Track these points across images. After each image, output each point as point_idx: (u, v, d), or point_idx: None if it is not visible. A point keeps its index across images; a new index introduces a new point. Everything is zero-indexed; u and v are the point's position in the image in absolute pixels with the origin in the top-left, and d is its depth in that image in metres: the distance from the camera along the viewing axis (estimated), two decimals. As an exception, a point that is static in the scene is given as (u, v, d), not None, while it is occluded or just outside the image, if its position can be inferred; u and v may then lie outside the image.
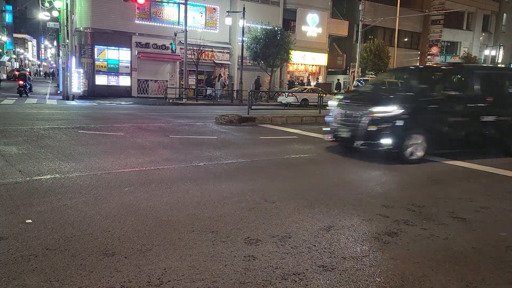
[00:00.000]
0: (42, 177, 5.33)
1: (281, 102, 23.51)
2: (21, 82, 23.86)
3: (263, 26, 27.85)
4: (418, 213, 4.55)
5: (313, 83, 33.13)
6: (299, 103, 22.14)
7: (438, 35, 40.03)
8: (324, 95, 19.08)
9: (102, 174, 5.71)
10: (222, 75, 29.06)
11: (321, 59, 34.54)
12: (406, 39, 40.74)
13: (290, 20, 32.80)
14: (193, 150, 7.95)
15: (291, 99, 22.39)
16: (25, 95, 23.39)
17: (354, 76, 33.02)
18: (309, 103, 22.41)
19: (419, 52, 41.76)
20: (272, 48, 27.14)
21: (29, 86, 24.33)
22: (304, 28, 32.83)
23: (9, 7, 65.43)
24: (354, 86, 28.60)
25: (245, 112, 14.67)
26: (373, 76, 32.63)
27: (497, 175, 6.82)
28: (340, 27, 35.66)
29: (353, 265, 3.19)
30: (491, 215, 4.60)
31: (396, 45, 33.93)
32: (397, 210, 4.62)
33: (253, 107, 14.97)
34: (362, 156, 7.98)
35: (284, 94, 24.02)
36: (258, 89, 28.37)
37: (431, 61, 36.95)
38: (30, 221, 3.75)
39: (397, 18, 32.64)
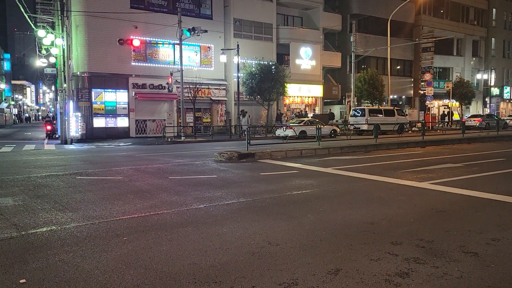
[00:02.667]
0: (38, 230, 5.18)
1: (279, 135, 23.53)
2: (48, 128, 27.16)
3: (258, 61, 28.25)
4: (428, 249, 4.39)
5: (310, 115, 33.32)
6: (297, 136, 22.14)
7: (429, 62, 40.64)
8: (322, 126, 19.10)
9: (100, 223, 5.56)
10: (246, 111, 29.03)
11: (317, 90, 34.90)
12: (398, 67, 41.33)
13: (284, 54, 33.35)
14: (193, 191, 7.82)
15: (289, 132, 22.40)
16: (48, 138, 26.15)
17: (350, 106, 33.24)
18: (308, 135, 22.42)
19: (412, 79, 42.28)
20: (267, 82, 27.44)
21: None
22: (298, 61, 33.33)
23: (7, 55, 66.77)
24: (351, 115, 28.72)
25: (244, 147, 14.62)
26: (369, 104, 32.87)
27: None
28: (333, 59, 36.24)
29: (366, 313, 3.02)
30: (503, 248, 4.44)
31: (389, 74, 34.35)
32: (405, 247, 4.46)
33: (251, 142, 14.91)
34: (368, 190, 7.85)
35: (282, 127, 24.06)
36: (279, 122, 28.73)
37: (425, 88, 37.28)
38: (24, 280, 3.59)
39: (389, 48, 33.21)
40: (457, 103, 42.27)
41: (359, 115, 27.26)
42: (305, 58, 33.69)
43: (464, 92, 39.96)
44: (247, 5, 30.66)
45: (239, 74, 27.12)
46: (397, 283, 3.54)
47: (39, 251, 4.39)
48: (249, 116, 28.88)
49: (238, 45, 26.68)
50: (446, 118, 40.11)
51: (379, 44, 34.97)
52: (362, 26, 37.69)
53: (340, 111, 36.72)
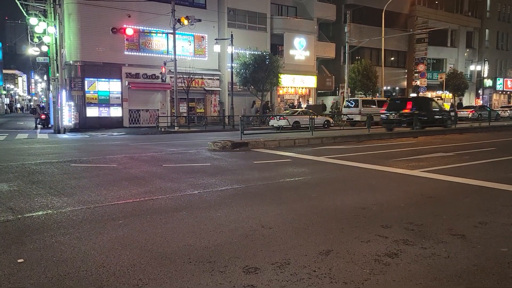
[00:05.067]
0: (34, 214, 5.24)
1: (272, 125, 23.61)
2: (43, 116, 27.63)
3: (252, 52, 28.22)
4: (417, 232, 4.51)
5: (303, 106, 33.40)
6: (290, 126, 22.24)
7: (423, 53, 40.79)
8: (315, 116, 19.19)
9: (96, 207, 5.62)
10: (255, 102, 29.17)
11: (310, 81, 34.95)
12: (392, 58, 41.46)
13: (278, 45, 33.30)
14: (187, 178, 7.89)
15: (282, 122, 22.48)
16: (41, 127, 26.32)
17: (343, 97, 33.36)
18: (301, 125, 22.53)
19: (406, 70, 42.45)
20: (261, 72, 27.46)
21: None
22: (292, 52, 33.31)
23: (-1, 44, 65.91)
24: (344, 107, 28.85)
25: (237, 137, 14.68)
26: (363, 95, 33.00)
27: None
28: (327, 50, 36.25)
29: (355, 289, 3.12)
30: (490, 231, 4.58)
31: (383, 65, 34.47)
32: (395, 230, 4.58)
33: (245, 132, 14.97)
34: (360, 177, 7.97)
35: (275, 117, 24.12)
36: (265, 113, 28.67)
37: (418, 79, 37.49)
38: (22, 260, 3.65)
39: (383, 39, 33.28)
40: (450, 95, 42.56)
41: (352, 106, 27.39)
42: (299, 48, 33.67)
43: (457, 84, 40.24)
44: (241, -6, 30.52)
45: (233, 64, 27.07)
46: (387, 262, 3.65)
47: (36, 233, 4.45)
48: (257, 106, 29.22)
49: (232, 35, 26.61)
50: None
51: (373, 35, 35.02)
52: (357, 16, 37.67)
53: (334, 102, 36.82)
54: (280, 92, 34.00)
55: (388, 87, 40.99)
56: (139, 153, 12.41)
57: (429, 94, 41.97)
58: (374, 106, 27.15)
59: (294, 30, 33.30)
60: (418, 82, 38.72)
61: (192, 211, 5.48)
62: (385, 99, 30.05)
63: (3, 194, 6.38)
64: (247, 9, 31.00)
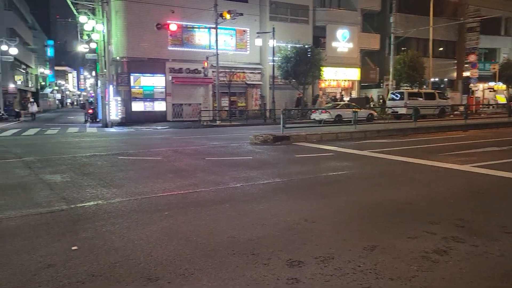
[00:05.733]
0: (85, 204, 5.48)
1: (314, 119, 23.38)
2: (90, 111, 28.44)
3: (293, 45, 28.00)
4: (467, 228, 4.34)
5: (346, 99, 32.82)
6: (333, 120, 21.93)
7: (475, 43, 38.81)
8: (359, 110, 18.81)
9: (143, 199, 5.81)
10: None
11: (354, 73, 34.26)
12: (441, 49, 39.79)
13: (320, 37, 32.83)
14: (229, 171, 7.98)
15: (325, 116, 22.21)
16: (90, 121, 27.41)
17: (388, 89, 32.45)
18: (343, 119, 22.16)
19: (455, 61, 40.64)
20: (303, 66, 27.21)
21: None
22: (334, 44, 32.75)
23: (51, 42, 69.07)
24: (389, 99, 28.08)
25: (279, 131, 14.66)
26: (408, 88, 31.96)
27: None
28: (372, 41, 35.35)
29: (402, 286, 3.05)
30: (548, 229, 4.32)
31: (431, 55, 33.16)
32: (444, 226, 4.42)
33: (286, 125, 14.92)
34: (405, 172, 7.76)
35: (317, 111, 23.86)
36: (298, 107, 28.51)
37: (469, 70, 35.80)
38: (76, 248, 3.84)
39: (431, 28, 32.02)
40: (504, 86, 40.40)
41: (397, 98, 26.61)
42: (342, 40, 33.03)
43: (511, 74, 38.11)
44: (284, -13, 30.28)
45: (274, 58, 26.99)
46: (435, 259, 3.53)
47: (88, 223, 4.66)
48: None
49: (273, 28, 26.51)
50: (492, 101, 38.42)
51: (421, 25, 33.70)
52: (403, 6, 36.34)
53: (378, 95, 35.91)
54: (322, 85, 33.55)
55: (436, 79, 39.42)
56: (182, 146, 12.67)
57: (480, 86, 40.02)
58: (421, 99, 26.25)
59: (337, 22, 32.69)
60: (468, 73, 37.00)
61: (235, 203, 5.54)
62: (433, 91, 28.99)
63: (57, 185, 6.72)
64: (289, 2, 30.73)
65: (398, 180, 7.16)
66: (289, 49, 27.89)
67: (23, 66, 45.20)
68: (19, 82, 41.90)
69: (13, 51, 34.30)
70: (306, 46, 28.24)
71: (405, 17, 35.45)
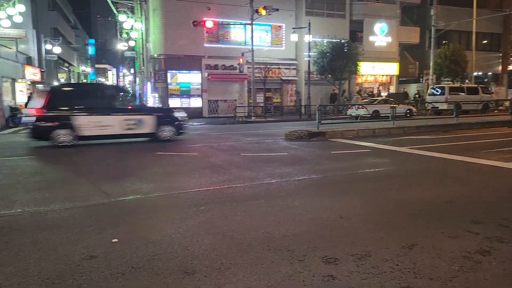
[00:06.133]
0: (125, 198, 5.64)
1: (350, 115, 23.02)
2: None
3: (330, 40, 27.65)
4: (512, 229, 4.16)
5: (384, 94, 32.09)
6: (370, 115, 21.51)
7: (521, 35, 36.99)
8: (397, 105, 18.36)
9: (179, 193, 5.92)
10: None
11: (392, 68, 33.43)
12: (485, 41, 38.13)
13: (357, 31, 32.23)
14: (265, 167, 7.99)
15: (361, 112, 21.82)
16: None
17: (428, 84, 31.48)
18: (381, 115, 21.69)
19: (500, 54, 38.86)
20: (339, 61, 26.82)
21: None
22: (372, 38, 32.07)
23: (92, 41, 71.39)
24: (428, 94, 27.24)
25: (314, 127, 14.53)
26: (450, 82, 30.88)
27: None
28: (411, 34, 34.34)
29: (442, 286, 2.97)
30: None
31: (474, 49, 31.84)
32: (487, 225, 4.26)
33: (322, 121, 14.77)
34: (445, 169, 7.52)
35: (354, 106, 23.48)
36: (333, 103, 28.18)
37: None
38: (116, 240, 3.96)
39: (474, 20, 30.74)
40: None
41: (438, 93, 25.78)
42: (380, 34, 32.28)
43: (560, 68, 36.10)
44: (320, -19, 29.92)
45: (310, 53, 26.76)
46: (478, 260, 3.41)
47: (128, 216, 4.81)
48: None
49: (309, 23, 26.24)
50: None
51: (463, 17, 32.43)
52: (444, -3, 35.06)
53: (417, 90, 34.89)
54: (359, 80, 32.96)
55: (480, 73, 37.86)
56: (218, 142, 12.80)
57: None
58: (463, 94, 25.32)
59: (375, 15, 31.96)
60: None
61: (270, 199, 5.55)
62: (475, 85, 27.89)
63: (98, 180, 6.95)
64: (325, -4, 30.37)
65: (438, 177, 6.95)
66: (325, 44, 27.57)
67: (66, 64, 46.90)
68: (62, 80, 43.57)
69: (57, 50, 35.64)
70: (343, 40, 27.81)
71: (446, 9, 34.18)
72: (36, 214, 4.92)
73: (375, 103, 23.26)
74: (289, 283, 3.06)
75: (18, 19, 21.83)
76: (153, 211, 5.01)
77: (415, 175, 7.24)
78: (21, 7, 21.76)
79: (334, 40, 27.48)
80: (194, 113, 27.23)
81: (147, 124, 12.47)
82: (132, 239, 3.99)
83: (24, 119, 12.41)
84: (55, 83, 39.15)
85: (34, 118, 11.28)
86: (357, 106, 23.06)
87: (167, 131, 12.72)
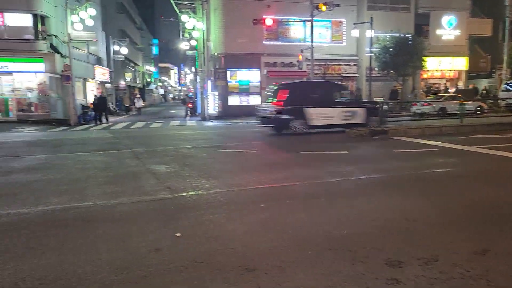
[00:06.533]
0: (187, 194, 5.80)
1: (415, 112, 22.08)
2: (190, 105, 29.64)
3: (393, 34, 26.69)
4: None
5: (451, 90, 30.45)
6: (436, 113, 20.49)
7: None
8: (466, 102, 17.33)
9: (239, 190, 5.98)
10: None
11: (460, 63, 31.63)
12: None
13: (422, 25, 30.82)
14: (324, 165, 7.88)
15: (426, 109, 20.86)
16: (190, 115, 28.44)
17: (501, 79, 29.44)
18: (448, 112, 20.60)
19: None
20: (403, 56, 25.81)
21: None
22: (439, 31, 30.53)
23: (156, 41, 74.31)
24: (501, 90, 25.47)
25: (375, 124, 14.11)
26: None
27: None
28: (482, 27, 32.25)
29: (519, 297, 2.75)
30: None
31: (553, 40, 29.34)
32: None
33: (384, 119, 14.29)
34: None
35: (418, 103, 22.49)
36: (394, 100, 27.21)
37: None
38: (179, 234, 4.08)
39: (554, 9, 28.29)
40: None
41: (512, 89, 24.03)
42: (448, 27, 30.65)
43: None
44: (383, -26, 28.94)
45: (372, 49, 26.00)
46: (560, 270, 3.13)
47: (190, 211, 4.93)
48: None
49: (371, 18, 25.50)
50: None
51: (541, 6, 29.97)
52: (520, -14, 32.60)
53: (489, 85, 32.74)
54: (424, 76, 31.54)
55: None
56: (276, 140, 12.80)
57: None
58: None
59: (442, 8, 30.38)
60: None
61: (331, 198, 5.46)
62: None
63: (162, 175, 7.21)
64: (389, -11, 29.35)
65: (510, 179, 6.48)
66: (388, 39, 26.66)
67: (132, 64, 49.21)
68: (128, 79, 45.75)
69: (124, 50, 37.51)
70: (407, 35, 26.74)
71: (523, -2, 31.73)
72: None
73: (441, 99, 22.14)
74: (350, 284, 2.98)
75: (90, 22, 23.21)
76: (214, 207, 5.09)
77: (486, 177, 6.79)
78: (92, 11, 23.11)
79: (397, 35, 26.50)
80: (252, 111, 27.40)
81: (360, 115, 14.12)
82: (194, 234, 4.09)
83: (261, 113, 15.04)
84: (122, 82, 41.23)
85: (272, 111, 13.84)
86: (422, 103, 22.08)
87: (373, 121, 13.83)
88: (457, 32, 30.91)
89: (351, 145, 10.88)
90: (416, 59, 26.36)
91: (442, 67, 31.49)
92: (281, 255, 3.52)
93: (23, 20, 21.52)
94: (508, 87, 24.52)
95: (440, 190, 5.81)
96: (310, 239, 3.90)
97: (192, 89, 47.31)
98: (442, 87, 32.01)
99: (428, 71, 30.79)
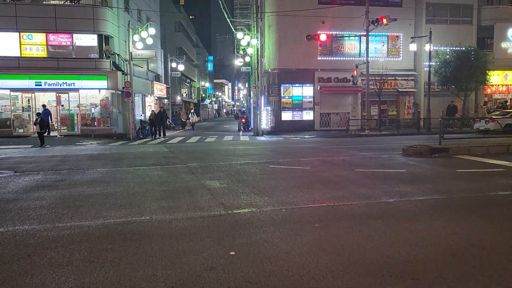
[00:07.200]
0: (241, 211, 5.80)
1: (478, 129, 20.92)
2: (243, 120, 30.35)
3: (453, 48, 25.63)
4: None
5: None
6: (502, 130, 19.30)
7: None
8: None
9: (293, 208, 5.89)
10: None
11: (528, 77, 29.73)
12: None
13: (486, 38, 29.41)
14: (381, 184, 7.60)
15: (491, 125, 19.70)
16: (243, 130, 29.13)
17: None
18: (515, 129, 19.32)
19: None
20: (464, 70, 24.67)
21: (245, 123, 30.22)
22: (504, 44, 28.96)
23: (211, 57, 76.42)
24: None
25: (435, 142, 13.49)
26: None
27: None
28: (552, 38, 30.22)
29: None
30: None
31: None
32: None
33: (445, 136, 13.64)
34: None
35: (482, 120, 21.30)
36: (452, 116, 25.99)
37: None
38: (233, 253, 4.06)
39: None
40: None
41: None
42: (514, 40, 29.02)
43: None
44: (443, -14, 28.00)
45: (430, 63, 25.09)
46: None
47: (243, 229, 4.91)
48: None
49: (430, 32, 24.67)
50: None
51: None
52: None
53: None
54: (488, 91, 29.91)
55: None
56: (330, 156, 12.59)
57: None
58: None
59: (508, 20, 28.86)
60: None
61: (389, 220, 5.23)
62: None
63: (216, 191, 7.28)
64: (449, 2, 28.28)
65: None
66: (448, 52, 25.62)
67: (188, 80, 50.81)
68: (184, 95, 47.22)
69: (181, 67, 38.84)
70: (469, 48, 25.57)
71: None
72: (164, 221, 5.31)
73: (507, 116, 20.84)
74: (414, 316, 2.80)
75: (150, 41, 24.31)
76: (267, 225, 5.05)
77: None
78: (152, 31, 24.22)
79: (458, 48, 25.41)
80: (305, 126, 27.33)
81: None
82: (248, 253, 4.05)
83: None
84: (178, 98, 42.60)
85: None
86: (486, 119, 20.89)
87: None
88: (525, 45, 29.16)
89: (409, 163, 10.45)
90: (479, 73, 25.10)
91: (508, 81, 29.75)
92: (338, 280, 3.39)
93: (89, 40, 22.93)
94: None
95: (508, 215, 5.40)
96: (368, 264, 3.74)
97: (246, 104, 47.97)
98: (509, 102, 30.18)
99: (492, 85, 29.20)
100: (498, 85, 29.86)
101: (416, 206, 5.96)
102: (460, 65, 24.66)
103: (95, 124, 23.47)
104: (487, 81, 26.40)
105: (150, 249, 4.22)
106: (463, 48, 25.43)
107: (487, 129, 19.36)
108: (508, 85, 30.08)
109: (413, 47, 25.56)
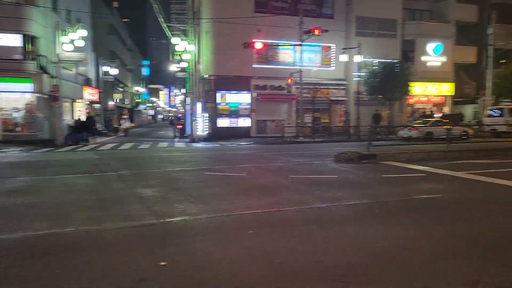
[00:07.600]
0: (173, 219, 5.65)
1: (402, 136, 22.28)
2: (179, 126, 29.74)
3: (380, 60, 27.15)
4: None
5: (436, 115, 30.86)
6: (422, 137, 20.70)
7: None
8: (452, 127, 17.54)
9: (228, 215, 5.85)
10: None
11: (446, 89, 32.21)
12: (548, 60, 35.94)
13: (409, 51, 31.45)
14: (314, 190, 7.80)
15: (413, 133, 21.07)
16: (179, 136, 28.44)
17: (485, 105, 29.98)
18: (434, 137, 20.84)
19: None
20: (390, 81, 26.21)
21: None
22: (424, 58, 31.17)
23: (146, 62, 74.56)
24: (486, 116, 25.91)
25: (364, 148, 14.13)
26: (509, 103, 29.24)
27: None
28: (467, 54, 33.00)
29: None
30: None
31: (535, 68, 30.06)
32: None
33: (373, 143, 14.35)
34: (509, 199, 6.99)
35: (405, 128, 22.72)
36: (377, 124, 27.38)
37: None
38: (164, 263, 3.92)
39: (535, 38, 29.12)
40: None
41: (496, 115, 24.49)
42: (434, 54, 31.33)
43: None
44: (371, 1, 29.57)
45: (360, 74, 26.36)
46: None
47: (176, 238, 4.79)
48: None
49: (359, 44, 25.96)
50: None
51: (523, 35, 30.82)
52: (504, 15, 33.38)
53: (474, 111, 33.32)
54: (411, 101, 31.98)
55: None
56: (266, 163, 12.73)
57: None
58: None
59: (428, 35, 31.10)
60: None
61: (321, 225, 5.36)
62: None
63: (148, 199, 7.05)
64: (377, 16, 29.93)
65: (502, 208, 6.45)
66: (375, 64, 27.08)
67: (121, 85, 49.10)
68: (117, 100, 45.56)
69: (114, 71, 37.45)
70: (394, 60, 27.22)
71: (506, 28, 32.63)
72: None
73: (428, 124, 22.41)
74: (343, 319, 2.86)
75: (80, 43, 23.18)
76: (201, 233, 4.96)
77: (478, 204, 6.77)
78: (83, 32, 23.12)
79: (385, 60, 26.95)
80: (242, 133, 27.46)
81: None
82: (179, 262, 3.95)
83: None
84: (110, 103, 41.05)
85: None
86: (409, 127, 22.31)
87: None
88: (443, 59, 31.59)
89: (340, 170, 10.83)
90: (402, 84, 26.76)
91: (428, 92, 32.01)
92: (270, 286, 3.39)
93: (12, 40, 21.38)
94: (493, 113, 24.98)
95: (431, 218, 5.75)
96: (301, 269, 3.79)
97: (182, 110, 47.31)
98: (427, 112, 32.44)
99: (414, 96, 31.25)
100: (420, 96, 32.03)
101: (347, 211, 6.18)
102: (386, 76, 26.12)
103: (18, 130, 21.89)
104: (409, 91, 28.22)
105: (76, 262, 3.96)
106: (389, 60, 26.99)
107: (410, 136, 20.68)
108: (428, 95, 32.37)
109: (343, 57, 26.71)
